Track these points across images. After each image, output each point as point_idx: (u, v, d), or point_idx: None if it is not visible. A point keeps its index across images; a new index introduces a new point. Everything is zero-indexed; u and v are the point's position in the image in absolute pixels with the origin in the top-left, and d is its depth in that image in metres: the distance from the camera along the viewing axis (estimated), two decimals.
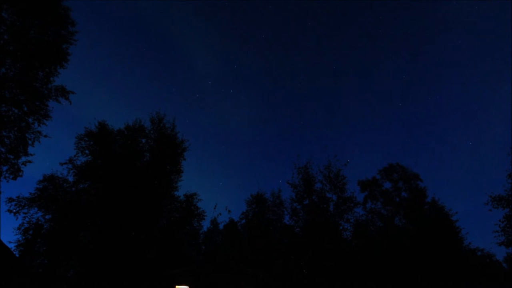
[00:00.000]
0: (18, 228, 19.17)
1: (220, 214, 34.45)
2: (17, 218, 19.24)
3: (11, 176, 14.47)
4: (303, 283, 21.03)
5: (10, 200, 19.10)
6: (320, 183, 24.05)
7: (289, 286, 20.27)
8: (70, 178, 21.21)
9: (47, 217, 20.21)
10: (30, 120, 14.91)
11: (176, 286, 17.09)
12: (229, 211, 32.85)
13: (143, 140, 23.48)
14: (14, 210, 19.07)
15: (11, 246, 19.09)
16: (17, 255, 17.62)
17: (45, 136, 15.37)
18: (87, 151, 21.55)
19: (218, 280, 17.42)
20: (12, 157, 14.38)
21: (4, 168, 14.29)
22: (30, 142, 14.92)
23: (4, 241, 19.37)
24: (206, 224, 42.18)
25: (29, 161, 14.90)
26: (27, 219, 19.46)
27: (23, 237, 19.10)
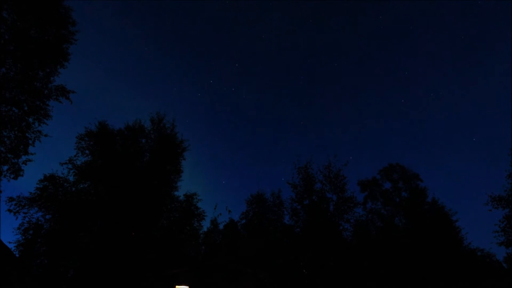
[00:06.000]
0: (18, 228, 19.13)
1: (220, 214, 34.36)
2: (17, 218, 19.20)
3: (11, 176, 14.48)
4: (303, 283, 21.03)
5: (10, 199, 19.07)
6: (320, 183, 24.10)
7: (289, 286, 20.28)
8: (71, 178, 21.20)
9: (47, 217, 20.19)
10: (30, 119, 14.93)
11: (176, 286, 17.09)
12: (229, 211, 32.87)
13: (143, 140, 23.53)
14: (14, 210, 19.04)
15: (11, 246, 19.07)
16: (17, 255, 17.59)
17: (46, 135, 15.38)
18: (87, 151, 21.57)
19: (218, 280, 17.41)
20: (12, 156, 14.39)
21: (5, 167, 14.30)
22: (30, 141, 14.94)
23: (4, 241, 19.38)
24: (206, 224, 42.17)
25: (29, 160, 14.90)
26: (27, 219, 19.42)
27: (23, 237, 19.05)
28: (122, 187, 20.65)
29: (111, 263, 18.84)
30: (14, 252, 17.95)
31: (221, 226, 32.94)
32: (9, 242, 18.80)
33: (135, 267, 19.38)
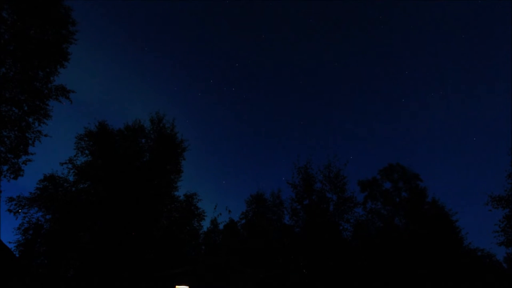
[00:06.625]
0: (18, 228, 19.14)
1: (220, 214, 34.33)
2: (17, 218, 19.23)
3: (11, 176, 14.48)
4: (303, 283, 21.02)
5: (11, 199, 19.09)
6: (320, 183, 24.10)
7: (289, 286, 20.27)
8: (71, 178, 21.22)
9: (47, 217, 20.21)
10: (30, 119, 14.93)
11: (176, 286, 17.10)
12: (229, 211, 32.85)
13: (143, 140, 23.53)
14: (14, 210, 19.05)
15: (11, 246, 19.06)
16: (17, 255, 17.60)
17: (45, 135, 15.38)
18: (87, 151, 21.58)
19: (218, 280, 17.42)
20: (12, 156, 14.38)
21: (5, 167, 14.30)
22: (30, 141, 14.94)
23: (4, 241, 19.35)
24: (206, 224, 42.19)
25: (29, 160, 14.90)
26: (27, 219, 19.44)
27: (23, 237, 19.07)
28: (122, 187, 20.65)
29: (111, 263, 18.84)
30: (14, 252, 17.97)
31: (221, 226, 32.97)
32: (9, 242, 18.82)
33: (135, 267, 19.38)
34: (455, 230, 27.31)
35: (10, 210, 18.95)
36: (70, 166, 20.95)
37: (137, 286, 18.30)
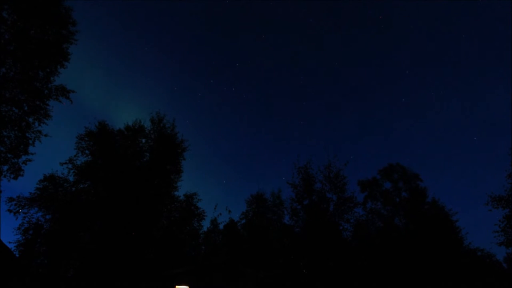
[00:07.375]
0: (18, 228, 19.13)
1: (220, 214, 34.36)
2: (17, 218, 19.22)
3: (11, 176, 14.49)
4: (303, 283, 21.03)
5: (10, 199, 19.08)
6: (320, 183, 24.06)
7: (289, 286, 20.28)
8: (71, 178, 21.22)
9: (47, 217, 20.20)
10: (30, 119, 14.95)
11: (176, 286, 17.09)
12: (229, 211, 32.88)
13: (143, 140, 23.55)
14: (14, 210, 19.04)
15: (11, 246, 19.05)
16: (17, 255, 17.61)
17: (45, 135, 15.40)
18: (87, 151, 21.59)
19: (218, 280, 17.42)
20: (12, 156, 14.40)
21: (5, 167, 14.31)
22: (30, 141, 14.96)
23: (4, 241, 19.33)
24: (206, 224, 42.24)
25: (29, 160, 14.92)
26: (27, 219, 19.43)
27: (23, 237, 19.06)
28: (122, 187, 20.66)
29: (111, 263, 18.84)
30: (14, 252, 17.96)
31: (221, 226, 32.99)
32: (9, 242, 18.79)
33: (135, 267, 19.39)
34: (455, 230, 27.30)
35: (10, 210, 18.94)
36: (70, 166, 20.97)
37: (137, 286, 18.30)
